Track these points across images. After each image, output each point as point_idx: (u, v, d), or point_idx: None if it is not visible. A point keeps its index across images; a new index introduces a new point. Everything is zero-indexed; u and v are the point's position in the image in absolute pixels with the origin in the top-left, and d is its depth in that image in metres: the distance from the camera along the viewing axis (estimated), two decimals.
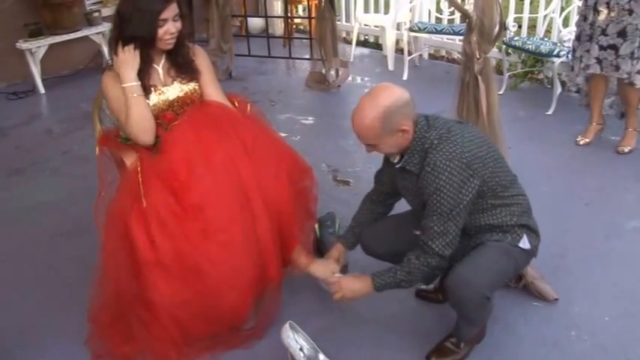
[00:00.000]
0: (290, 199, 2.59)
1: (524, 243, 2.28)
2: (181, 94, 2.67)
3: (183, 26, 2.61)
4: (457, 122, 2.34)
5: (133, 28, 2.50)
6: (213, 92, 2.74)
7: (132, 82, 2.53)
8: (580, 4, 4.18)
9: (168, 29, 2.54)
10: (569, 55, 4.70)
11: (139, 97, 2.54)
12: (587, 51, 3.97)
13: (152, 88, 2.62)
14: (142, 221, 2.32)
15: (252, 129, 2.67)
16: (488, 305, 2.27)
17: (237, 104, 2.85)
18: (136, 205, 2.36)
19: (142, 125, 2.54)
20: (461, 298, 2.22)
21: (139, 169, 2.46)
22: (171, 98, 2.65)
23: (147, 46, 2.57)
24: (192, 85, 2.70)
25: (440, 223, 2.15)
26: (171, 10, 2.53)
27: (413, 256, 2.23)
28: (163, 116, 2.61)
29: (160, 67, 2.67)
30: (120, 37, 2.54)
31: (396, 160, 2.33)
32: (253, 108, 2.93)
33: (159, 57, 2.67)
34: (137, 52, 2.55)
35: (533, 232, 2.33)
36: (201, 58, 2.77)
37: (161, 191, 2.37)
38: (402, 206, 2.60)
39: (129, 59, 2.54)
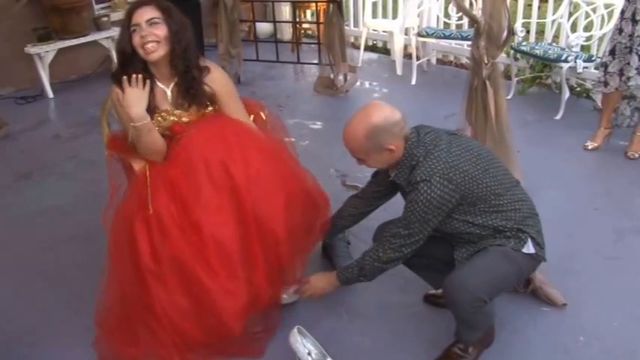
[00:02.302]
0: (284, 226, 2.47)
1: (528, 248, 2.27)
2: (194, 118, 2.56)
3: (172, 39, 2.41)
4: (448, 134, 2.36)
5: (117, 44, 2.45)
6: (233, 114, 2.63)
7: (143, 121, 2.40)
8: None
9: (143, 35, 2.35)
10: (577, 60, 4.70)
11: (150, 130, 2.44)
12: (628, 63, 3.90)
13: (162, 113, 2.52)
14: (146, 228, 2.35)
15: (262, 150, 2.58)
16: (484, 309, 2.25)
17: (263, 115, 2.81)
18: (141, 211, 2.38)
19: (152, 151, 2.51)
20: (456, 301, 2.22)
21: (147, 174, 2.48)
22: (184, 120, 2.55)
23: (135, 62, 2.42)
24: (207, 110, 2.58)
25: (406, 227, 2.25)
26: (144, 14, 2.37)
27: (368, 251, 2.37)
28: (172, 128, 2.54)
29: (168, 90, 2.53)
30: (119, 65, 2.47)
31: (389, 173, 2.41)
32: (270, 113, 2.91)
33: (166, 79, 2.52)
34: (147, 86, 2.40)
35: (537, 236, 2.32)
36: (217, 79, 2.58)
37: (166, 200, 2.39)
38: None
39: (137, 96, 2.37)
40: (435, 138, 2.29)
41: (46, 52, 5.81)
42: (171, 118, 2.53)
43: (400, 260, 2.34)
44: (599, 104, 4.31)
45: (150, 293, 2.33)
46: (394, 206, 2.65)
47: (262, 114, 2.86)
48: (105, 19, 6.26)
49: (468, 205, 2.24)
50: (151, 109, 2.48)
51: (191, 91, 2.51)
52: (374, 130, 2.23)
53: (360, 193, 2.78)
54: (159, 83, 2.52)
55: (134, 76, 2.36)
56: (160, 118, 2.52)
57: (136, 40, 2.37)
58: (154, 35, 2.37)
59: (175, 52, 2.44)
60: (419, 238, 2.27)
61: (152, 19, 2.38)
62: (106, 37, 6.24)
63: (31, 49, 5.75)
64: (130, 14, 2.39)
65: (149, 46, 2.37)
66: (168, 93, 2.53)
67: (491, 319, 2.39)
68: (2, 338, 2.59)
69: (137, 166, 2.59)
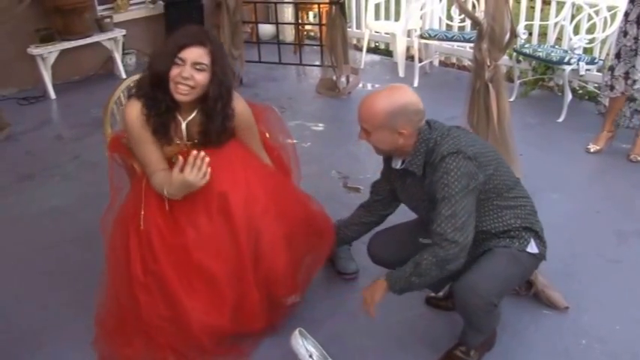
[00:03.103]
0: (285, 263, 2.47)
1: (532, 247, 2.27)
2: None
3: (210, 86, 2.30)
4: (456, 127, 2.35)
5: (154, 61, 2.33)
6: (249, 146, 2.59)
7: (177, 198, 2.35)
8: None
9: (183, 72, 2.24)
10: (580, 63, 4.69)
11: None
12: (633, 66, 3.90)
13: (174, 144, 2.46)
14: (138, 240, 2.39)
15: (267, 185, 2.52)
16: (495, 312, 2.26)
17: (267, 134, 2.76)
18: (135, 222, 2.41)
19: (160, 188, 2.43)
20: (467, 305, 2.20)
21: (143, 185, 2.49)
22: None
23: (165, 88, 2.30)
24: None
25: (448, 207, 2.11)
26: (195, 53, 2.24)
27: (423, 251, 2.17)
28: (182, 155, 2.36)
29: (184, 123, 2.42)
30: (151, 85, 2.33)
31: (398, 164, 2.35)
32: (275, 115, 2.92)
33: (185, 112, 2.42)
34: (208, 168, 2.26)
35: (539, 235, 2.32)
36: (239, 114, 2.48)
37: (158, 217, 2.40)
38: (404, 214, 2.59)
39: (196, 182, 2.24)
40: (444, 126, 2.28)
41: (48, 53, 5.81)
42: (180, 147, 2.46)
43: (459, 255, 2.12)
44: (606, 107, 4.28)
45: (138, 300, 2.39)
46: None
47: (267, 135, 2.80)
48: (107, 20, 6.26)
49: (485, 198, 2.20)
50: (168, 139, 2.42)
51: (216, 133, 2.42)
52: (396, 109, 2.18)
53: (364, 203, 2.76)
54: (177, 115, 2.42)
55: (201, 154, 2.24)
56: (169, 148, 2.46)
57: (174, 73, 2.25)
58: (193, 80, 2.26)
59: (208, 96, 2.34)
60: (465, 219, 2.10)
61: (200, 63, 2.26)
62: (109, 39, 6.25)
63: (34, 50, 5.75)
64: (180, 46, 2.25)
65: (182, 87, 2.27)
66: (183, 126, 2.43)
67: (498, 322, 2.39)
68: (4, 338, 2.59)
69: (139, 167, 2.60)
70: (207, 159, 2.24)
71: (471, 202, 2.15)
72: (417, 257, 2.17)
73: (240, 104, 2.50)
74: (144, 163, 2.45)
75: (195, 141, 2.46)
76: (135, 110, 2.37)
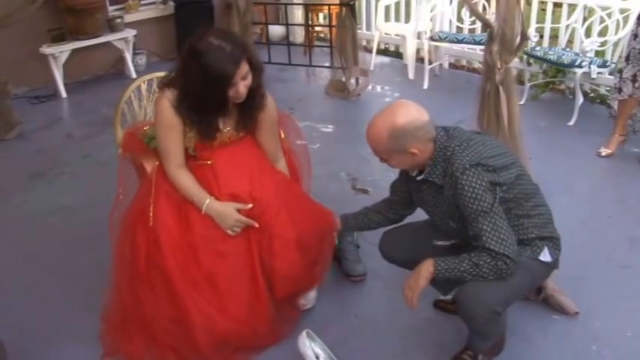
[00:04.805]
0: (299, 268, 2.51)
1: (545, 255, 2.24)
2: (226, 139, 2.54)
3: (254, 79, 2.40)
4: (476, 133, 2.33)
5: (204, 102, 2.36)
6: (269, 143, 2.64)
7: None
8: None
9: (238, 89, 2.34)
10: (591, 66, 4.66)
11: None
12: None
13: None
14: (146, 237, 2.41)
15: (280, 189, 2.56)
16: (499, 320, 2.23)
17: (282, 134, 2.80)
18: (144, 219, 2.43)
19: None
20: (469, 313, 2.19)
21: (153, 181, 2.51)
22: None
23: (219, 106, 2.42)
24: (242, 135, 2.57)
25: (487, 222, 2.10)
26: (242, 70, 2.31)
27: (484, 254, 2.12)
28: (198, 150, 2.52)
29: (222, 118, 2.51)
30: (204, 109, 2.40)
31: (415, 174, 2.33)
32: (288, 117, 2.94)
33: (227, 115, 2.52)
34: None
35: (555, 243, 2.29)
36: (267, 109, 2.56)
37: (168, 214, 2.42)
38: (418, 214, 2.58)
39: (229, 214, 2.41)
40: (465, 133, 2.26)
41: (60, 52, 5.86)
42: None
43: (514, 270, 2.11)
44: (616, 111, 4.25)
45: (141, 299, 2.42)
46: None
47: (282, 133, 2.83)
48: (118, 20, 6.29)
49: (505, 208, 2.16)
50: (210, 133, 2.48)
51: (245, 112, 2.50)
52: (397, 132, 2.14)
53: (386, 199, 2.69)
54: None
55: (255, 225, 2.42)
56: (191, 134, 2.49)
57: (232, 94, 2.35)
58: (246, 88, 2.36)
59: (249, 91, 2.42)
60: (507, 229, 2.10)
61: (246, 74, 2.34)
62: (120, 39, 6.28)
63: (46, 50, 5.80)
64: (230, 74, 2.28)
65: (240, 97, 2.38)
66: (221, 123, 2.50)
67: (504, 328, 2.36)
68: (14, 334, 2.60)
69: (149, 166, 2.62)
70: (255, 225, 2.43)
71: (503, 213, 2.13)
72: (476, 256, 2.13)
73: (270, 98, 2.57)
74: (165, 151, 2.47)
75: (228, 129, 2.51)
76: (168, 100, 2.40)
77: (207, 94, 2.32)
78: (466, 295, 2.17)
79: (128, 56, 6.40)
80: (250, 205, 2.42)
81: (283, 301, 2.57)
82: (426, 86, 5.79)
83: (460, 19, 6.16)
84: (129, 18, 6.50)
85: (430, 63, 5.94)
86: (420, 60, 6.22)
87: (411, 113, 2.17)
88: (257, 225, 2.42)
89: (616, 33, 4.85)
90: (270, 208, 2.45)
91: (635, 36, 3.88)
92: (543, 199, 2.33)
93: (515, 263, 2.10)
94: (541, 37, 5.52)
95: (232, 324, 2.42)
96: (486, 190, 2.10)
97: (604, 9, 4.96)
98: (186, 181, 2.45)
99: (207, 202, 2.40)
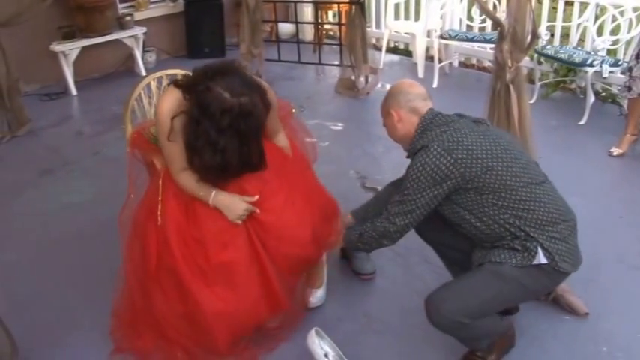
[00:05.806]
0: (311, 261, 2.60)
1: (539, 258, 2.14)
2: None
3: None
4: (470, 120, 2.33)
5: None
6: (274, 133, 2.63)
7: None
8: None
9: None
10: (603, 65, 4.62)
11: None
12: None
13: None
14: (155, 236, 2.42)
15: (291, 180, 2.55)
16: (467, 328, 2.17)
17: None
18: (153, 218, 2.43)
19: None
20: (431, 321, 2.21)
21: (160, 182, 2.50)
22: None
23: None
24: None
25: (400, 194, 2.28)
26: None
27: (370, 222, 2.44)
28: None
29: None
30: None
31: (407, 155, 2.43)
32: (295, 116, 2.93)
33: None
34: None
35: (547, 246, 2.16)
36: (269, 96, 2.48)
37: (177, 212, 2.42)
38: None
39: (236, 204, 2.39)
40: (450, 118, 2.30)
41: (70, 50, 5.88)
42: None
43: (392, 235, 2.35)
44: (626, 109, 4.23)
45: (151, 297, 2.43)
46: None
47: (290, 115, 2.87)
48: (128, 18, 6.31)
49: (475, 192, 2.17)
50: None
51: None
52: (388, 94, 2.44)
53: (394, 180, 2.79)
54: None
55: (257, 211, 2.41)
56: None
57: None
58: None
59: None
60: (412, 209, 2.25)
61: None
62: (129, 36, 6.30)
63: (56, 47, 5.82)
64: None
65: None
66: None
67: (489, 329, 2.30)
68: (24, 331, 2.61)
69: (159, 163, 2.62)
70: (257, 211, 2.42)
71: (424, 200, 2.22)
72: (364, 227, 2.47)
73: (269, 91, 2.49)
74: (169, 158, 2.44)
75: None
76: (171, 101, 2.34)
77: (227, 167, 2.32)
78: (429, 302, 2.21)
79: (138, 54, 6.42)
80: (257, 197, 2.41)
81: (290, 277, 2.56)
82: (435, 85, 5.77)
83: (470, 18, 6.14)
84: (139, 16, 6.52)
85: (440, 61, 5.93)
86: (429, 58, 6.20)
87: (404, 83, 2.45)
88: (258, 211, 2.41)
89: (628, 32, 4.81)
90: (278, 196, 2.45)
91: None
92: (546, 198, 2.23)
93: (394, 229, 2.32)
94: (552, 35, 5.49)
95: (246, 312, 2.41)
96: (422, 174, 2.18)
97: (616, 7, 4.92)
98: (190, 181, 2.43)
99: (214, 194, 2.39)
